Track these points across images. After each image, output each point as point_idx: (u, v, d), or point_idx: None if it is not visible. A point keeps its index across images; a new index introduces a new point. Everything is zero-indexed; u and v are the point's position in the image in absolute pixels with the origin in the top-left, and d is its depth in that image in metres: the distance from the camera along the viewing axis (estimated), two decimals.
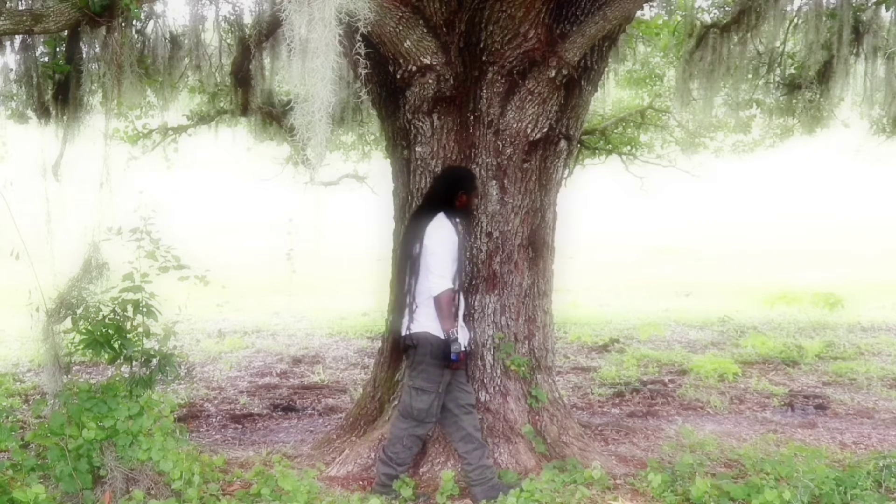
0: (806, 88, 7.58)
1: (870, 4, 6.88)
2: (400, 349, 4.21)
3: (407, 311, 4.04)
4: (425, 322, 3.99)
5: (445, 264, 3.96)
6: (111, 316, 4.41)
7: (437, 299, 3.94)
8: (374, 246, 7.93)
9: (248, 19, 7.34)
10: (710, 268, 19.43)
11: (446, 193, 4.14)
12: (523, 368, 4.69)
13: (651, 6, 8.02)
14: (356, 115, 8.45)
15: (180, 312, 4.76)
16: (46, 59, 5.93)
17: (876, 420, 6.20)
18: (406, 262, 4.10)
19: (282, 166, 12.08)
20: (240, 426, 6.17)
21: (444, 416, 4.15)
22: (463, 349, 3.99)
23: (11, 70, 6.12)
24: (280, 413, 6.55)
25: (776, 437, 5.44)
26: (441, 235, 3.99)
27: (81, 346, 4.31)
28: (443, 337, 3.96)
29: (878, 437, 5.66)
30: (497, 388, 4.60)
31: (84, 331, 4.32)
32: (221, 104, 9.44)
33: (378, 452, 4.31)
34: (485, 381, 4.59)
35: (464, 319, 4.21)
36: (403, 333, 4.05)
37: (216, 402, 6.91)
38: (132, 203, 4.61)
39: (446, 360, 3.96)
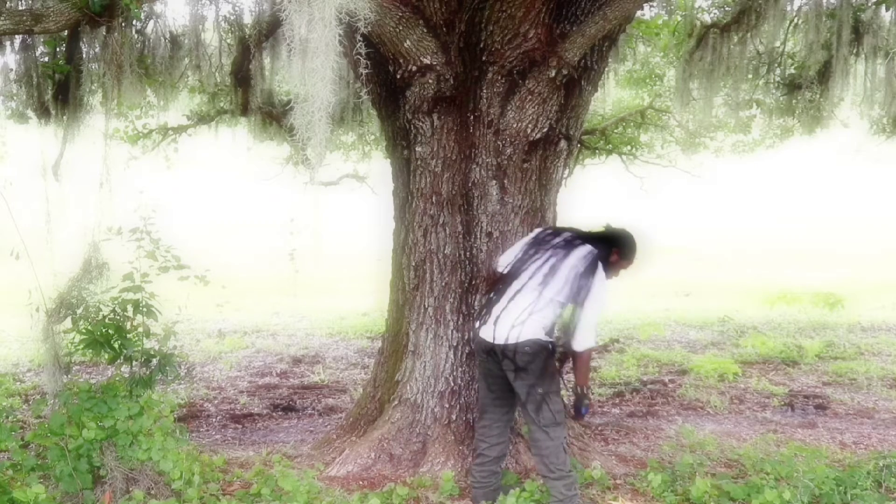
0: (806, 88, 7.58)
1: (870, 4, 6.88)
2: (489, 353, 3.95)
3: (522, 314, 3.81)
4: (536, 329, 3.82)
5: (596, 320, 3.87)
6: (111, 316, 4.43)
7: (580, 355, 3.88)
8: (374, 246, 7.93)
9: (248, 19, 7.35)
10: (710, 268, 19.39)
11: (606, 244, 4.03)
12: None
13: (651, 6, 8.02)
14: (356, 115, 8.45)
15: (180, 312, 4.77)
16: (46, 59, 5.93)
17: (876, 420, 6.20)
18: (535, 272, 3.89)
19: (282, 166, 12.09)
20: (240, 426, 6.18)
21: (496, 413, 4.04)
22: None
23: (11, 70, 6.13)
24: (280, 413, 6.55)
25: (776, 437, 5.44)
26: (601, 292, 3.85)
27: (81, 346, 4.32)
28: (544, 339, 3.83)
29: (878, 437, 5.66)
30: None
31: (84, 331, 4.34)
32: (221, 104, 9.45)
33: (542, 474, 3.96)
34: None
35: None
36: (518, 340, 3.79)
37: (216, 402, 6.91)
38: (132, 203, 4.62)
39: (576, 411, 3.99)
